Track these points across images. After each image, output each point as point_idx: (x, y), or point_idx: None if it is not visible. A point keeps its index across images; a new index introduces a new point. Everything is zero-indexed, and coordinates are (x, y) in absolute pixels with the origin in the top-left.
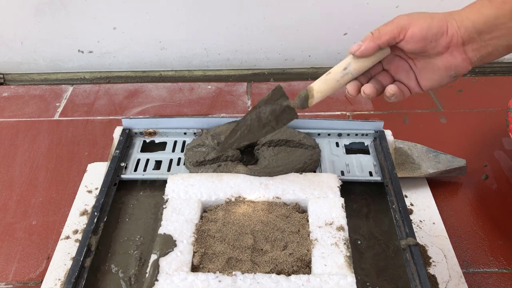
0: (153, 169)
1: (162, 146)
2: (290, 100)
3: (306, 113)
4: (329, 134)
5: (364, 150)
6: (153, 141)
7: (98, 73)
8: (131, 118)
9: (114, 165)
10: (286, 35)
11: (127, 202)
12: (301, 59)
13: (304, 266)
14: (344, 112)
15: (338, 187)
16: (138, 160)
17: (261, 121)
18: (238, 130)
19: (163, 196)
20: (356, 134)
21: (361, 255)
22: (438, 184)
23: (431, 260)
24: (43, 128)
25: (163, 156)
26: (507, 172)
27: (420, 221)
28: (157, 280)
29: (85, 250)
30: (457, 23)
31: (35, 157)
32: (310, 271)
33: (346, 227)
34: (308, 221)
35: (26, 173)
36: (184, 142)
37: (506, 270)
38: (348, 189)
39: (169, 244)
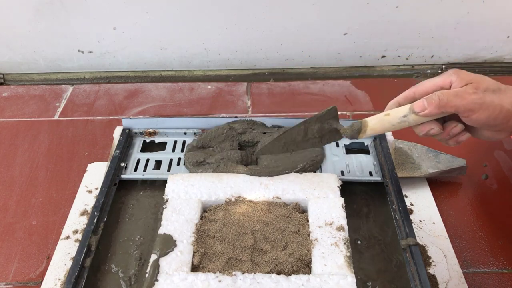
0: (153, 169)
1: (162, 146)
2: (340, 125)
3: (306, 113)
4: None
5: (364, 150)
6: (153, 141)
7: (98, 73)
8: (131, 118)
9: (114, 165)
10: (286, 35)
11: (127, 202)
12: (301, 59)
13: (304, 266)
14: (344, 112)
15: (338, 187)
16: (138, 160)
17: (307, 136)
18: (283, 139)
19: (163, 196)
20: None
21: (361, 255)
22: (438, 184)
23: (431, 260)
24: (43, 128)
25: (163, 156)
26: (507, 172)
27: (420, 221)
28: (157, 280)
29: (85, 250)
30: None
31: (35, 157)
32: (310, 271)
33: (346, 227)
34: (308, 221)
35: (26, 173)
36: (184, 142)
37: (506, 270)
38: (348, 189)
39: (169, 244)
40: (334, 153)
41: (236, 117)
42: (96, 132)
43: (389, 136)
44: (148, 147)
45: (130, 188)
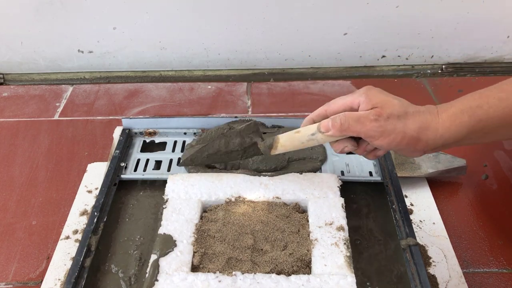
0: (153, 169)
1: (162, 146)
2: (260, 139)
3: (305, 113)
4: None
5: None
6: (153, 141)
7: (98, 73)
8: (131, 118)
9: (114, 165)
10: (286, 35)
11: (127, 202)
12: (301, 59)
13: (304, 266)
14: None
15: (338, 187)
16: (138, 160)
17: (229, 148)
18: (206, 151)
19: (163, 196)
20: None
21: (361, 255)
22: (438, 184)
23: (431, 260)
24: (43, 128)
25: (163, 156)
26: (507, 172)
27: (420, 221)
28: (157, 280)
29: (85, 250)
30: (434, 135)
31: (35, 157)
32: (310, 271)
33: (346, 227)
34: (308, 221)
35: (26, 173)
36: (184, 142)
37: (506, 270)
38: (348, 189)
39: (169, 244)
40: (334, 153)
41: (236, 117)
42: (96, 132)
43: None
44: (148, 147)
45: (130, 188)
